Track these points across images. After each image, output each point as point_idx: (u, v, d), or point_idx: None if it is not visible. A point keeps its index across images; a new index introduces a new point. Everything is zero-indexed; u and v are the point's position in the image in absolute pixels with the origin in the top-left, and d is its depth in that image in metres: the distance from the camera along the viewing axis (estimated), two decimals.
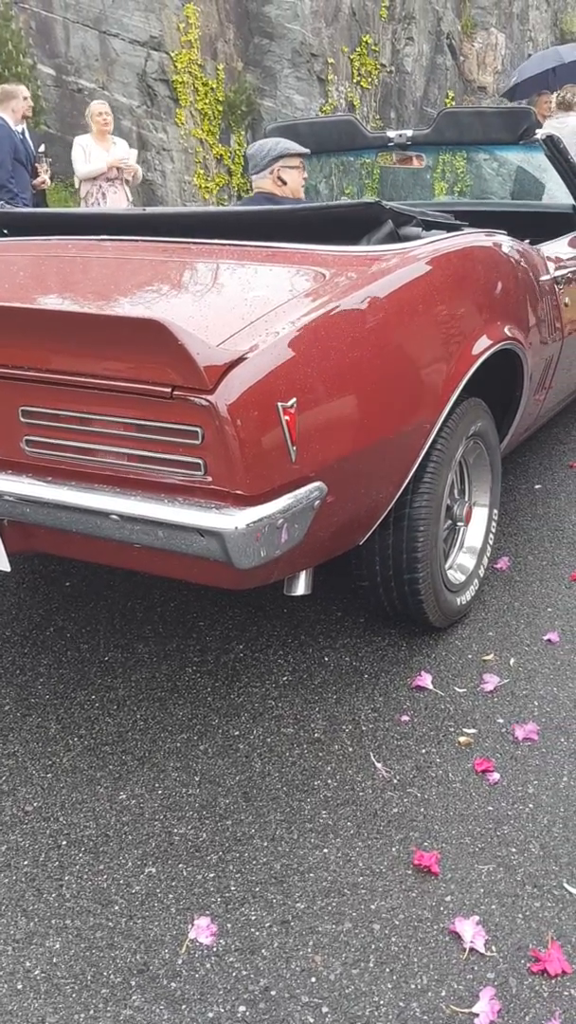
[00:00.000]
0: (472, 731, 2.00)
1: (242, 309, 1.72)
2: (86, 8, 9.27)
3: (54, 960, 1.46)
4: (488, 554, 2.55)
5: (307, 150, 3.28)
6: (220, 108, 10.39)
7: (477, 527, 2.52)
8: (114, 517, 1.63)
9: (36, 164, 6.06)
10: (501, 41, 13.60)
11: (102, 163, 6.22)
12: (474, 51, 13.44)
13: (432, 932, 1.50)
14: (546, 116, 6.16)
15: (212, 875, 1.62)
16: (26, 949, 1.48)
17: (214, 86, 10.28)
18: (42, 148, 6.38)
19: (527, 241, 2.77)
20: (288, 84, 10.85)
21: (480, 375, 2.26)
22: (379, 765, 1.89)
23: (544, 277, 2.74)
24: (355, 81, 11.76)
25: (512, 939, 1.48)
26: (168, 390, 1.53)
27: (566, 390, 3.28)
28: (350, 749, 1.94)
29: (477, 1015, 1.34)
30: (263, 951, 1.47)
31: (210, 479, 1.57)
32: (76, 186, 6.61)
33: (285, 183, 3.12)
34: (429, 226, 2.39)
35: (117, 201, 6.35)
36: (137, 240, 2.33)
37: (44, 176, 6.25)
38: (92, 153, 6.31)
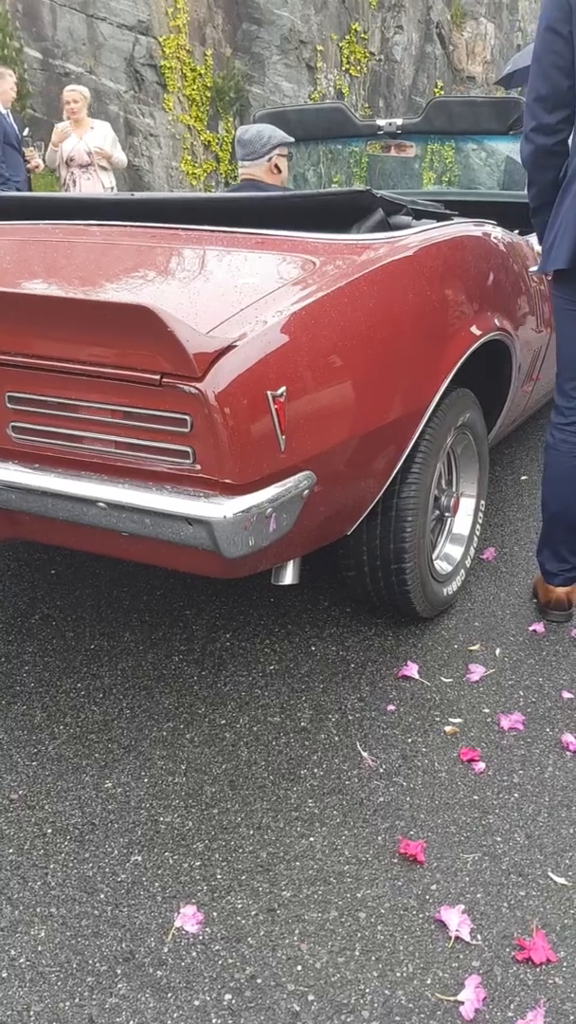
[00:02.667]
0: (458, 721, 2.00)
1: (232, 296, 1.70)
2: None
3: (39, 948, 1.46)
4: (475, 544, 2.56)
5: (292, 139, 3.28)
6: (208, 94, 10.33)
7: (464, 517, 2.52)
8: (101, 505, 1.61)
9: (25, 149, 6.03)
10: (490, 31, 13.58)
11: (61, 148, 6.24)
12: (463, 41, 13.41)
13: (418, 921, 1.50)
14: None
15: (198, 863, 1.62)
16: (11, 937, 1.48)
17: (202, 72, 10.21)
18: (26, 132, 6.33)
19: (516, 231, 2.76)
20: (276, 71, 10.80)
21: (469, 365, 2.26)
22: (365, 754, 1.89)
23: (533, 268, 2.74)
24: (344, 69, 11.72)
25: (497, 928, 1.49)
26: (157, 377, 1.52)
27: (554, 381, 3.28)
28: (336, 738, 1.95)
29: (462, 1003, 1.35)
30: (249, 939, 1.47)
31: (199, 467, 1.56)
32: (56, 173, 6.59)
33: (279, 171, 3.12)
34: (419, 215, 2.38)
35: (91, 187, 6.32)
36: (126, 225, 2.31)
37: (37, 160, 6.22)
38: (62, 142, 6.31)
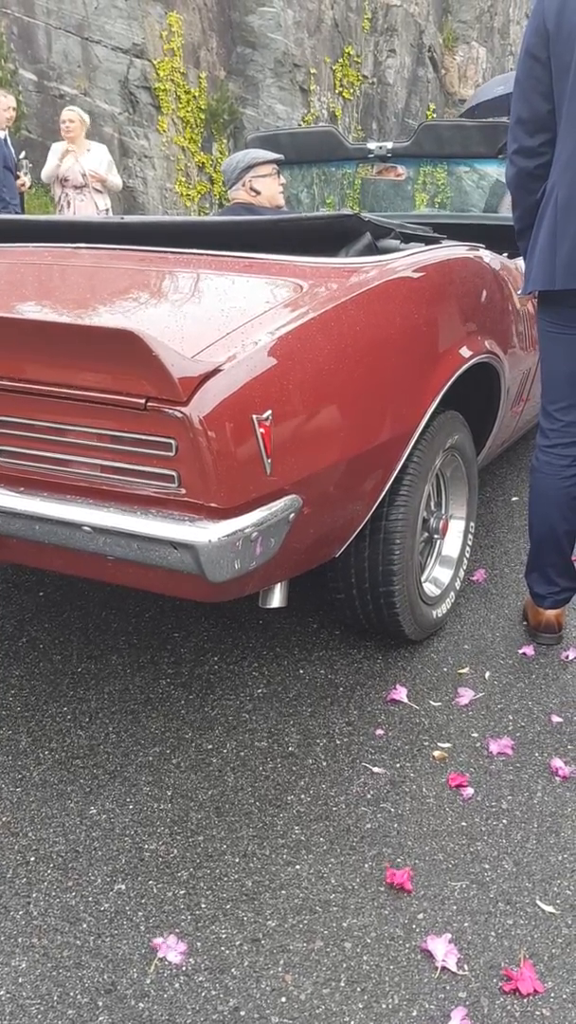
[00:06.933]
0: (447, 745, 1.99)
1: (218, 320, 1.70)
2: (68, 14, 9.25)
3: (20, 980, 1.43)
4: (464, 567, 2.55)
5: (279, 155, 3.28)
6: (202, 116, 10.40)
7: (453, 540, 2.51)
8: (87, 529, 1.61)
9: (17, 171, 6.09)
10: (482, 55, 13.72)
11: (50, 167, 6.36)
12: (455, 64, 13.54)
13: (404, 950, 1.48)
14: None
15: (182, 892, 1.60)
16: None
17: (196, 94, 10.28)
18: (23, 155, 6.38)
19: (505, 254, 2.77)
20: (270, 93, 10.88)
21: (457, 387, 2.26)
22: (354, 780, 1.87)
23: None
24: (337, 92, 11.82)
25: (484, 957, 1.47)
26: (142, 401, 1.51)
27: None
28: (324, 763, 1.93)
29: None
30: (233, 970, 1.45)
31: (184, 491, 1.55)
32: (50, 193, 6.66)
33: (259, 192, 3.12)
34: (408, 239, 2.39)
35: (83, 209, 6.37)
36: (114, 248, 2.31)
37: (24, 179, 6.27)
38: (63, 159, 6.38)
